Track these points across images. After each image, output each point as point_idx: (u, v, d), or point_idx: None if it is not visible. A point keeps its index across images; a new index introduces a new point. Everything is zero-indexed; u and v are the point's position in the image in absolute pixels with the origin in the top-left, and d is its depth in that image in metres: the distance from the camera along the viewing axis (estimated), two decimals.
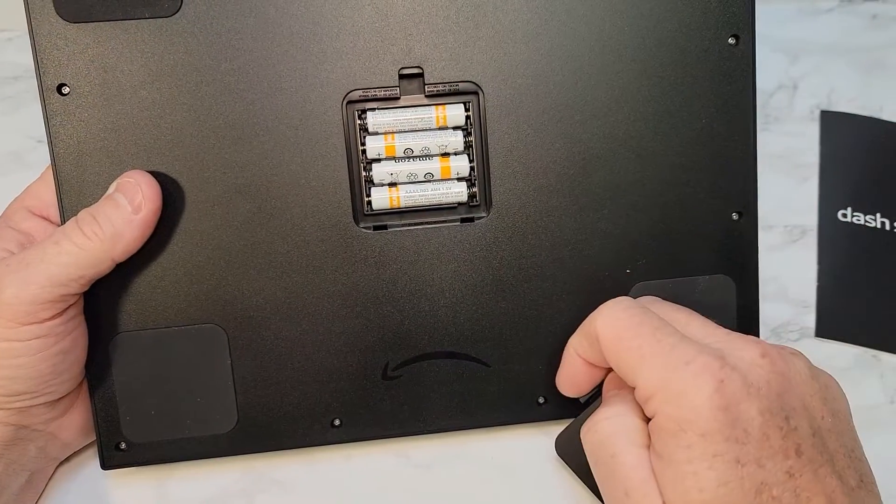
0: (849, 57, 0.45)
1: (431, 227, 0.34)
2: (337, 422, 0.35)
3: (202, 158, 0.33)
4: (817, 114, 0.44)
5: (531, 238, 0.34)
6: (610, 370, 0.32)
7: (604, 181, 0.34)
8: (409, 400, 0.35)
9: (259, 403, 0.34)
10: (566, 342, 0.33)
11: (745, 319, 0.36)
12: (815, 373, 0.29)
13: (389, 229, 0.34)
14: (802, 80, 0.45)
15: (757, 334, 0.36)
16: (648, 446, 0.28)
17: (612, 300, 0.31)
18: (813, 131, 0.44)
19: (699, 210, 0.35)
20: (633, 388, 0.29)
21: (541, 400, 0.35)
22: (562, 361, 0.33)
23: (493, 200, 0.34)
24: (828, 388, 0.29)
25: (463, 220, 0.34)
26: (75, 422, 0.34)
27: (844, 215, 0.42)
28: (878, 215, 0.42)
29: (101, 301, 0.33)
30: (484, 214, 0.34)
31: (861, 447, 0.29)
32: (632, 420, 0.29)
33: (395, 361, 0.35)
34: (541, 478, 0.36)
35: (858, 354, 0.40)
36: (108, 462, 0.34)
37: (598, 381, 0.33)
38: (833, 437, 0.27)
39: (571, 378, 0.33)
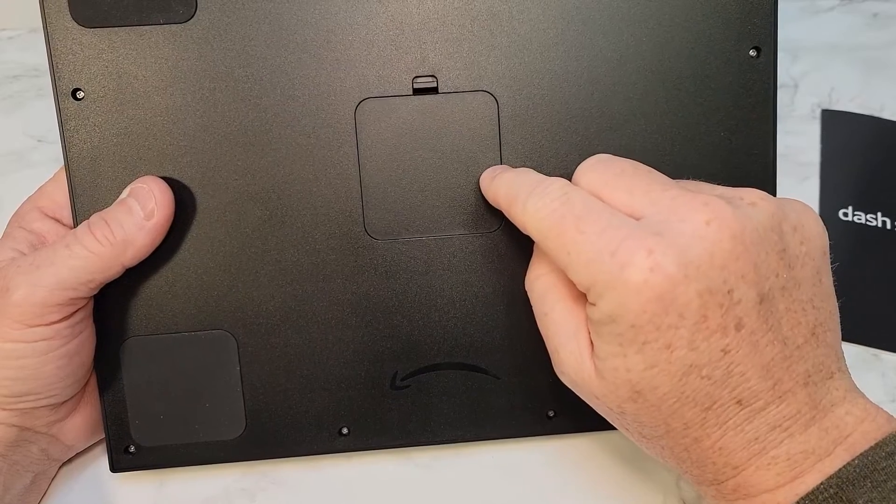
0: (850, 56, 0.45)
1: (443, 238, 0.34)
2: (345, 430, 0.35)
3: (214, 165, 0.33)
4: (818, 113, 0.44)
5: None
6: None
7: None
8: (418, 410, 0.35)
9: (267, 410, 0.34)
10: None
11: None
12: (777, 220, 0.26)
13: (400, 239, 0.34)
14: (803, 78, 0.45)
15: None
16: (578, 297, 0.28)
17: (538, 189, 0.28)
18: (814, 130, 0.44)
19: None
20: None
21: (550, 413, 0.35)
22: (486, 187, 0.33)
23: None
24: (795, 231, 0.27)
25: (475, 232, 0.34)
26: (78, 425, 0.34)
27: (845, 214, 0.42)
28: (879, 214, 0.42)
29: (111, 305, 0.33)
30: (496, 226, 0.34)
31: (826, 287, 0.28)
32: (559, 275, 0.29)
33: (403, 371, 0.34)
34: (542, 477, 0.36)
35: (859, 353, 0.40)
36: (117, 465, 0.34)
37: None
38: (787, 294, 0.26)
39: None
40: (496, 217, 0.34)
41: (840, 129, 0.44)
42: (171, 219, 0.32)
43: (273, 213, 0.33)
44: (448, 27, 0.33)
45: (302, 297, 0.34)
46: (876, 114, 0.44)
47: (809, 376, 0.26)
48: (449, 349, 0.34)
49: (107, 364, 0.34)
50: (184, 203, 0.33)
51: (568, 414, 0.35)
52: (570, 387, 0.29)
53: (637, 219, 0.27)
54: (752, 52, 0.34)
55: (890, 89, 0.44)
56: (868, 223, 0.42)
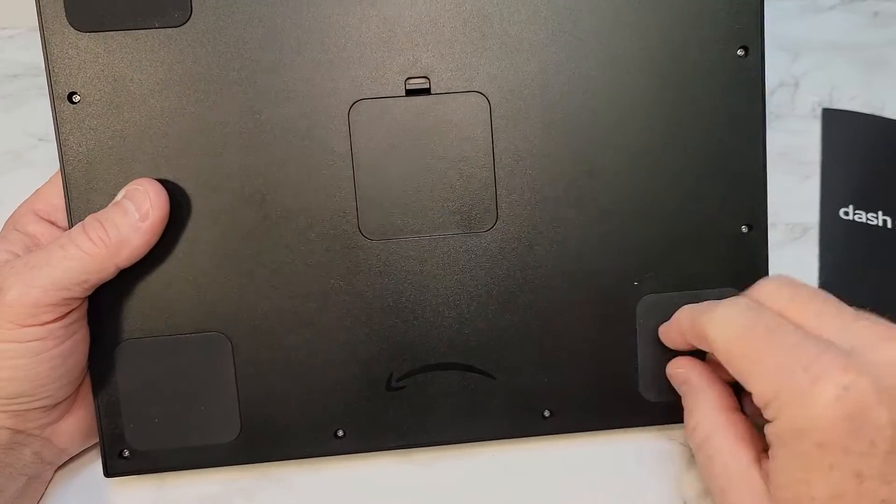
0: (850, 54, 0.45)
1: (437, 238, 0.34)
2: (340, 433, 0.34)
3: (209, 166, 0.33)
4: (819, 111, 0.44)
5: (537, 249, 0.34)
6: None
7: (611, 193, 0.34)
8: (414, 411, 0.35)
9: (262, 413, 0.34)
10: (573, 354, 0.34)
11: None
12: None
13: (394, 239, 0.34)
14: (804, 77, 0.45)
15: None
16: (743, 440, 0.28)
17: (726, 302, 0.29)
18: (815, 129, 0.44)
19: (708, 223, 0.35)
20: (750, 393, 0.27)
21: (546, 413, 0.35)
22: (668, 329, 0.33)
23: (498, 211, 0.34)
24: None
25: (468, 231, 0.34)
26: (71, 427, 0.34)
27: (846, 213, 0.42)
28: (880, 213, 0.42)
29: (106, 307, 0.33)
30: (490, 225, 0.34)
31: None
32: (720, 417, 0.29)
33: (399, 372, 0.34)
34: (542, 477, 0.36)
35: None
36: (112, 469, 0.34)
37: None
38: None
39: (672, 343, 0.33)
40: (490, 216, 0.34)
41: (841, 127, 0.44)
42: (166, 220, 0.32)
43: (267, 215, 0.33)
44: (440, 29, 0.33)
45: (296, 298, 0.34)
46: (877, 112, 0.44)
47: None
48: (444, 349, 0.34)
49: (101, 366, 0.34)
50: (178, 205, 0.33)
51: (564, 414, 0.35)
52: None
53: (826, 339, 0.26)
54: (740, 52, 0.34)
55: (891, 88, 0.44)
56: (869, 222, 0.42)
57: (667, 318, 0.33)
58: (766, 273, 0.35)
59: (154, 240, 0.32)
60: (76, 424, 0.34)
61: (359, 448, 0.35)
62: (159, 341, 0.34)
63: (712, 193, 0.34)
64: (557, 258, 0.34)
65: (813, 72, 0.45)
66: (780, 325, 0.27)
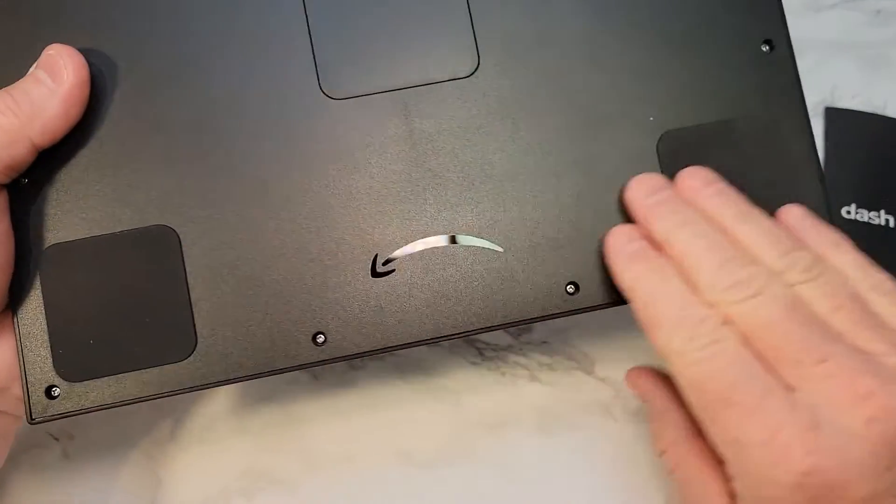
0: (852, 53, 0.45)
1: (413, 89, 0.29)
2: (321, 337, 0.28)
3: (141, 30, 0.29)
4: (821, 110, 0.44)
5: (537, 93, 0.30)
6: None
7: (623, 20, 0.30)
8: (408, 300, 0.29)
9: (222, 321, 0.28)
10: (590, 216, 0.29)
11: (797, 168, 0.30)
12: None
13: (364, 96, 0.29)
14: (805, 76, 0.44)
15: (821, 182, 0.31)
16: (712, 469, 0.27)
17: (683, 310, 0.25)
18: (817, 128, 0.43)
19: (726, 44, 0.31)
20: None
21: (570, 289, 0.29)
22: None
23: (479, 51, 0.30)
24: None
25: (447, 79, 0.30)
26: (6, 357, 0.29)
27: (848, 212, 0.42)
28: (882, 212, 0.42)
29: (25, 204, 0.28)
30: (474, 67, 0.30)
31: None
32: (682, 447, 0.28)
33: (385, 253, 0.29)
34: (542, 477, 0.36)
35: None
36: (37, 412, 0.27)
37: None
38: None
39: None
40: (472, 57, 0.30)
41: (843, 126, 0.44)
42: (87, 88, 0.28)
43: (209, 82, 0.29)
44: None
45: (254, 178, 0.29)
46: (879, 111, 0.44)
47: None
48: (439, 221, 0.29)
49: (20, 281, 0.28)
50: (103, 79, 0.29)
51: (590, 286, 0.29)
52: None
53: (789, 388, 0.24)
54: (765, 48, 0.31)
55: (893, 86, 0.44)
56: (871, 221, 0.42)
57: (693, 154, 0.30)
58: (799, 92, 0.31)
59: (74, 111, 0.28)
60: (10, 353, 0.29)
61: (345, 353, 0.28)
62: (91, 242, 0.28)
63: (726, 13, 0.31)
64: (559, 99, 0.30)
65: (814, 70, 0.44)
66: (739, 376, 0.24)
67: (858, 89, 0.44)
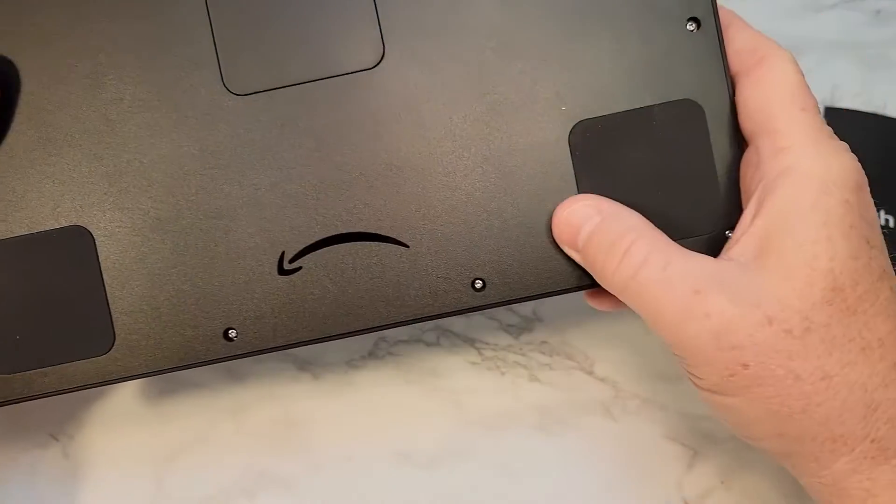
0: (852, 53, 0.45)
1: (316, 83, 0.29)
2: (232, 332, 0.29)
3: (40, 24, 0.29)
4: (821, 110, 0.44)
5: (445, 83, 0.29)
6: None
7: (535, 3, 0.29)
8: (314, 297, 0.29)
9: (138, 317, 0.29)
10: (499, 207, 0.29)
11: (720, 157, 0.29)
12: None
13: (267, 92, 0.29)
14: (806, 76, 0.44)
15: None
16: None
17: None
18: None
19: (646, 25, 0.29)
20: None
21: (477, 284, 0.29)
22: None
23: (384, 41, 0.29)
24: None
25: (350, 72, 0.29)
26: None
27: None
28: (882, 213, 0.42)
29: None
30: (377, 59, 0.29)
31: None
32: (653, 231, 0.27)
33: (291, 250, 0.29)
34: (542, 477, 0.36)
35: None
36: None
37: None
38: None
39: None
40: (377, 47, 0.29)
41: (843, 126, 0.43)
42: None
43: (113, 79, 0.29)
44: None
45: (161, 177, 0.29)
46: (879, 111, 0.44)
47: None
48: (343, 218, 0.29)
49: None
50: (9, 80, 0.29)
51: (499, 281, 0.29)
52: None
53: None
54: (691, 26, 0.29)
55: (893, 87, 0.44)
56: None
57: (606, 146, 0.29)
58: (725, 76, 0.29)
59: None
60: None
61: (256, 348, 0.29)
62: (6, 244, 0.29)
63: None
64: (467, 89, 0.29)
65: (814, 70, 0.44)
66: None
67: (858, 89, 0.44)
